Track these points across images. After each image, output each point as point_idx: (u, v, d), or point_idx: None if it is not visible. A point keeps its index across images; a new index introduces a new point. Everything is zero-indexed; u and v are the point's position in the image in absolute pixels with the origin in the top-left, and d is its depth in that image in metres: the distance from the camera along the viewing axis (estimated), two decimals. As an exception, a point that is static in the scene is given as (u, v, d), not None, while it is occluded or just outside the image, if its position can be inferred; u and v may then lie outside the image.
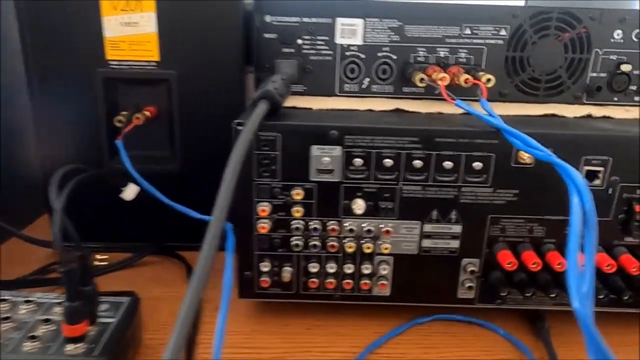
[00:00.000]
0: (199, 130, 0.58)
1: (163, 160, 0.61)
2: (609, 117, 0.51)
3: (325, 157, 0.45)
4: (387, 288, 0.49)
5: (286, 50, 0.55)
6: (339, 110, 0.51)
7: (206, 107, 0.58)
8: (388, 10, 0.54)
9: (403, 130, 0.44)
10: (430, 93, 0.56)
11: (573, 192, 0.32)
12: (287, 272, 0.48)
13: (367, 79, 0.56)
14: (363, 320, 0.51)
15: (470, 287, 0.49)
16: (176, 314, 0.22)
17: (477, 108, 0.46)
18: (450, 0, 0.55)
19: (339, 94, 0.57)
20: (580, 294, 0.25)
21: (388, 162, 0.45)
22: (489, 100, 0.56)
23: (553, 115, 0.51)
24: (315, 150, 0.44)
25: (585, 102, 0.57)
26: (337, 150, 0.44)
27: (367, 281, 0.48)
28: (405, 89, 0.57)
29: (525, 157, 0.44)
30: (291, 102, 0.52)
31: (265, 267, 0.48)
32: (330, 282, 0.48)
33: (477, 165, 0.45)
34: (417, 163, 0.45)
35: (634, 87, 0.57)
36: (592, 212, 0.30)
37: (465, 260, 0.48)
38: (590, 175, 0.45)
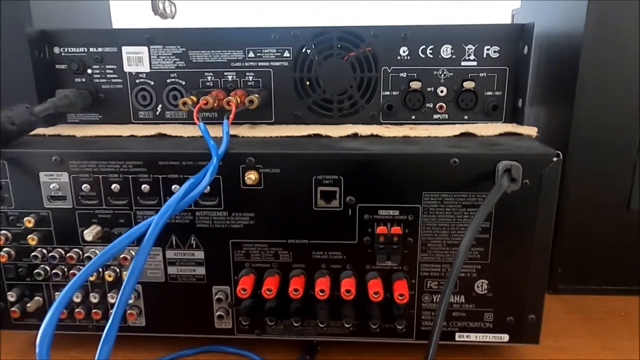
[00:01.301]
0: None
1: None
2: (376, 136, 0.49)
3: (53, 184, 0.44)
4: (137, 317, 0.47)
5: (78, 80, 0.56)
6: (98, 136, 0.50)
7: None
8: (170, 36, 0.54)
9: (125, 154, 0.43)
10: (220, 118, 0.55)
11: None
12: (34, 303, 0.47)
13: (160, 106, 0.56)
14: (121, 353, 0.49)
15: (220, 317, 0.46)
16: None
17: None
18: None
19: (134, 121, 0.57)
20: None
21: (116, 187, 0.44)
22: (282, 123, 0.56)
23: (317, 135, 0.49)
24: (43, 176, 0.44)
25: (383, 121, 0.55)
26: (65, 176, 0.44)
27: (116, 311, 0.47)
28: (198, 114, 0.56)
29: (252, 178, 0.43)
30: (70, 130, 0.52)
31: (11, 297, 0.47)
32: (79, 312, 0.47)
33: (206, 188, 0.43)
34: (145, 187, 0.44)
35: (429, 105, 0.54)
36: (152, 234, 0.29)
37: (216, 288, 0.46)
38: (327, 196, 0.43)
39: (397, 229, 0.43)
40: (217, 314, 0.46)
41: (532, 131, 0.50)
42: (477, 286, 0.45)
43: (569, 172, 0.54)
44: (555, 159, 0.41)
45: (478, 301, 0.45)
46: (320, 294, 0.43)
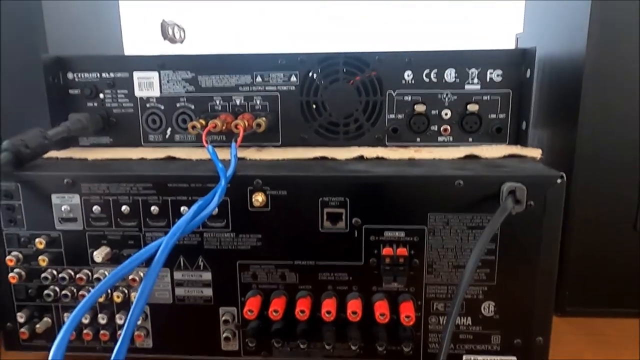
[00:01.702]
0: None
1: None
2: (382, 158, 0.50)
3: (65, 205, 0.45)
4: (144, 339, 0.47)
5: (90, 104, 0.57)
6: (109, 159, 0.51)
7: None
8: (181, 62, 0.56)
9: (135, 177, 0.44)
10: (228, 141, 0.56)
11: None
12: (42, 324, 0.47)
13: (170, 129, 0.57)
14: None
15: (227, 338, 0.46)
16: None
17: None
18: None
19: (144, 144, 0.58)
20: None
21: (126, 209, 0.45)
22: (289, 145, 0.57)
23: (323, 157, 0.50)
24: (55, 198, 0.45)
25: (388, 144, 0.56)
26: (76, 198, 0.45)
27: (124, 332, 0.47)
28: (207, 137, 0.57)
29: (259, 200, 0.43)
30: (82, 153, 0.53)
31: (21, 318, 0.47)
32: (87, 333, 0.47)
33: (214, 209, 0.44)
34: (155, 209, 0.44)
35: (434, 128, 0.55)
36: (161, 256, 0.30)
37: (223, 309, 0.47)
38: (334, 218, 0.44)
39: (402, 251, 0.43)
40: (224, 335, 0.46)
41: (536, 153, 0.50)
42: (484, 308, 0.45)
43: (574, 193, 0.54)
44: (559, 180, 0.42)
45: (485, 323, 0.45)
46: (327, 315, 0.43)
